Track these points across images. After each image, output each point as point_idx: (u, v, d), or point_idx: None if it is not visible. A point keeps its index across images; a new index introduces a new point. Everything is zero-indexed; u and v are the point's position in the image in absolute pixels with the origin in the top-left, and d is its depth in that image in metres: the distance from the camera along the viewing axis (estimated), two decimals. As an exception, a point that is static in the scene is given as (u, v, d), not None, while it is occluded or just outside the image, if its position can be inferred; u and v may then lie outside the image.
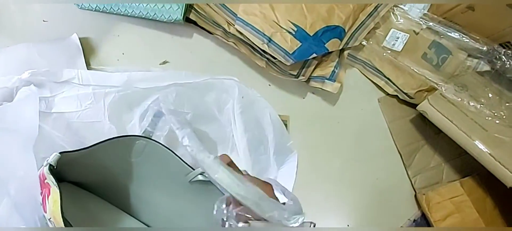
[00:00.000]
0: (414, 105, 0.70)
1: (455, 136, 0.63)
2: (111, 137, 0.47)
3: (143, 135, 0.53)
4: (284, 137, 0.67)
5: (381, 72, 0.70)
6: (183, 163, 0.51)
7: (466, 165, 0.71)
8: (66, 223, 0.37)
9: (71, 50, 0.66)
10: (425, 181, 0.70)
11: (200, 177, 0.51)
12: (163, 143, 0.51)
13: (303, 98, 0.71)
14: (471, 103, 0.63)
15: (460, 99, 0.63)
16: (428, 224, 0.69)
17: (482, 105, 0.63)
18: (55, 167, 0.41)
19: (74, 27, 0.66)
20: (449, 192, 0.67)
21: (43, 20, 0.67)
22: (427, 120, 0.68)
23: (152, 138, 0.52)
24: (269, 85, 0.71)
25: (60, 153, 0.42)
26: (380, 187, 0.70)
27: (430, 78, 0.66)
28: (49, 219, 0.40)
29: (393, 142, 0.72)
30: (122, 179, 0.54)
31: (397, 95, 0.71)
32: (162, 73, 0.64)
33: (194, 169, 0.51)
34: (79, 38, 0.66)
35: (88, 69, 0.65)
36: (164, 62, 0.69)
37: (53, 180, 0.39)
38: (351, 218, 0.67)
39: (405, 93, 0.70)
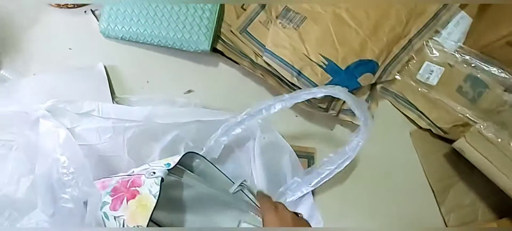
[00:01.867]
0: (447, 140, 0.67)
1: (494, 177, 0.59)
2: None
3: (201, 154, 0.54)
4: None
5: (414, 105, 0.67)
6: (227, 178, 0.53)
7: (504, 204, 0.67)
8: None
9: (96, 79, 0.65)
10: (459, 219, 0.67)
11: (239, 188, 0.52)
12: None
13: (331, 130, 0.69)
14: (512, 143, 0.60)
15: (500, 139, 0.60)
16: (462, 266, 0.65)
17: (523, 145, 0.60)
18: (163, 180, 0.42)
19: (99, 55, 0.66)
20: (485, 233, 0.64)
21: (69, 48, 0.66)
22: (461, 155, 0.65)
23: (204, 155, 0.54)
24: (296, 116, 0.68)
25: (167, 169, 0.44)
26: (411, 225, 0.67)
27: (466, 114, 0.63)
28: (117, 217, 0.42)
29: (425, 177, 0.69)
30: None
31: (430, 129, 0.68)
32: (184, 109, 0.63)
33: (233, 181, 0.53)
34: (104, 66, 0.65)
35: (112, 97, 0.64)
36: (189, 91, 0.67)
37: (157, 192, 0.40)
38: (381, 258, 0.64)
39: (439, 128, 0.67)
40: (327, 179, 0.62)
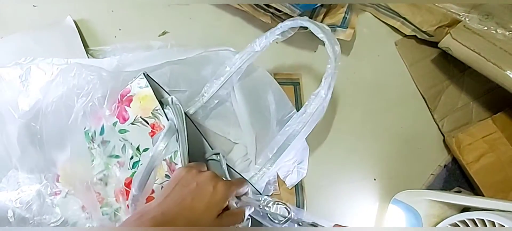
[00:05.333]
0: (434, 44, 0.65)
1: (484, 69, 0.57)
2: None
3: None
4: (286, 107, 0.62)
5: (396, 12, 0.65)
6: (206, 143, 0.51)
7: (497, 100, 0.66)
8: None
9: (66, 34, 0.63)
10: (453, 123, 0.66)
11: (214, 157, 0.50)
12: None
13: (314, 52, 0.67)
14: (499, 31, 0.58)
15: (486, 28, 0.57)
16: (460, 168, 0.65)
17: (511, 32, 0.58)
18: (146, 73, 0.44)
19: (66, 9, 0.63)
20: (480, 131, 0.63)
21: (33, 5, 0.63)
22: (450, 57, 0.63)
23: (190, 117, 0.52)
24: (277, 43, 0.66)
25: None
26: (405, 135, 0.66)
27: (451, 10, 0.61)
28: (132, 122, 0.43)
29: (415, 86, 0.67)
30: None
31: (415, 36, 0.66)
32: (153, 53, 0.60)
33: (212, 148, 0.51)
34: (74, 20, 0.62)
35: (86, 50, 0.62)
36: (164, 33, 0.65)
37: (146, 82, 0.43)
38: (377, 171, 0.63)
39: (424, 32, 0.64)
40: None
